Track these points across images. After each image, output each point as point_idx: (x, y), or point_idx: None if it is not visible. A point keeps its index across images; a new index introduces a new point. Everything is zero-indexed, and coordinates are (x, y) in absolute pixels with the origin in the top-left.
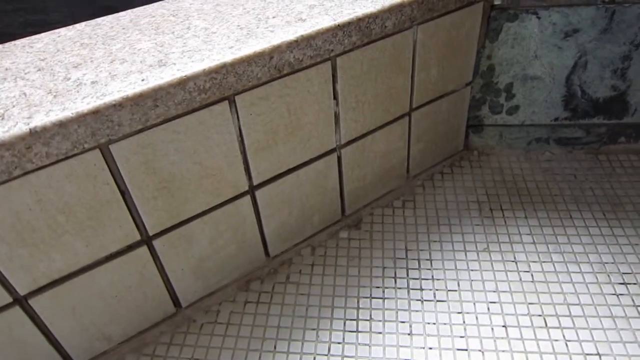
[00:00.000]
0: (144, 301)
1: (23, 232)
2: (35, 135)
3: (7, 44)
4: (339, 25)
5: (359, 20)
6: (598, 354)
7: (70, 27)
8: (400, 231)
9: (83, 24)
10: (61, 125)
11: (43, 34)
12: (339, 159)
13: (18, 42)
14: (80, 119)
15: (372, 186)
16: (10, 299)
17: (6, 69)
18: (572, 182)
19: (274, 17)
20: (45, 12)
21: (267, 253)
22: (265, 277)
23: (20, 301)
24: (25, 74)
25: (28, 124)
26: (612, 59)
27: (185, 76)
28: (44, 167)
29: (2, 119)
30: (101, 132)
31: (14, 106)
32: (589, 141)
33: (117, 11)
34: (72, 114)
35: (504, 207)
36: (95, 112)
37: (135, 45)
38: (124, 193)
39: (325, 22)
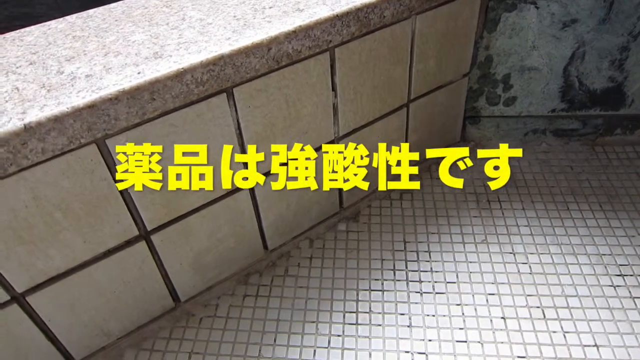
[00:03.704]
0: (142, 296)
1: (20, 230)
2: (30, 130)
3: None
4: (337, 15)
5: (358, 10)
6: (596, 345)
7: (61, 19)
8: (399, 223)
9: (74, 16)
10: (56, 120)
11: (33, 27)
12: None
13: (7, 35)
14: (76, 113)
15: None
16: (8, 297)
17: None
18: (568, 173)
19: (270, 7)
20: (31, 5)
21: (265, 246)
22: (264, 271)
23: (18, 299)
24: (17, 68)
25: (22, 119)
26: (610, 50)
27: (182, 68)
28: (40, 163)
29: None
30: (97, 127)
31: (7, 101)
32: (586, 132)
33: (106, 3)
34: (68, 108)
35: (502, 198)
36: (91, 107)
37: (129, 37)
38: None
39: (323, 12)
